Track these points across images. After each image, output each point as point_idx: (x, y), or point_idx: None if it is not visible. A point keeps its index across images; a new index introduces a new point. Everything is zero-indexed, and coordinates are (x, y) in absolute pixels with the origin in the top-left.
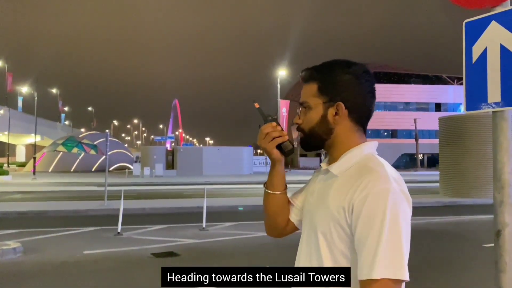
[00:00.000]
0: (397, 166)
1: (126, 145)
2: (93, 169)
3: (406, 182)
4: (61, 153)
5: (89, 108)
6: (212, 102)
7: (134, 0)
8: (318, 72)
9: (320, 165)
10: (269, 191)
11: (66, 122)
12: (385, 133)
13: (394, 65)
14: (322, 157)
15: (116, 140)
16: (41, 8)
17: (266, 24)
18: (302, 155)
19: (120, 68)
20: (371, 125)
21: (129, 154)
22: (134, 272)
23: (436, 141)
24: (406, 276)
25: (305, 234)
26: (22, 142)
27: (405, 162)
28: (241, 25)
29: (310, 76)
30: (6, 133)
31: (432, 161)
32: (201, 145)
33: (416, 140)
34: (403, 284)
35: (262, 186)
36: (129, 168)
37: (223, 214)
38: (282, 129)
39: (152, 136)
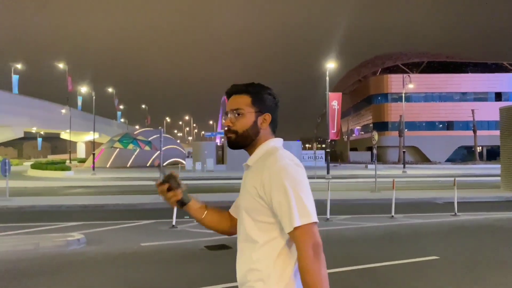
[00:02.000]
0: (453, 159)
1: (178, 141)
2: (147, 164)
3: (463, 176)
4: (118, 149)
5: (143, 106)
6: None
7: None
8: (251, 88)
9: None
10: (198, 220)
11: (122, 120)
12: (440, 125)
13: (449, 54)
14: (374, 151)
15: (169, 136)
16: (97, 9)
17: (314, 18)
18: (352, 149)
19: (171, 67)
20: (426, 117)
21: (182, 149)
22: (187, 264)
23: (496, 132)
24: (315, 219)
25: (238, 217)
26: (82, 139)
27: (462, 155)
28: (290, 22)
29: (244, 90)
30: (68, 131)
31: (492, 154)
32: None
33: (474, 132)
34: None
35: (310, 181)
36: (181, 163)
37: None
38: (177, 185)
39: (203, 132)
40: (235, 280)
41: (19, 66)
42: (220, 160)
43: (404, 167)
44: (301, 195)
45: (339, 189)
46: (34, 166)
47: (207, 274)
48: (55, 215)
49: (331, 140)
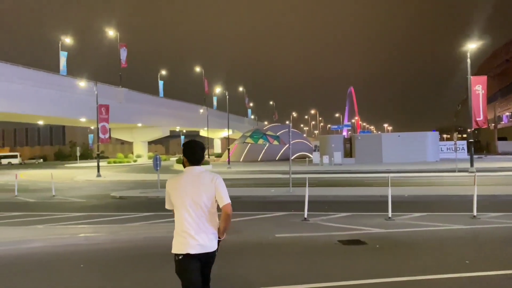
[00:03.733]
0: None
1: (304, 135)
2: (276, 158)
3: None
4: (249, 144)
5: (271, 102)
6: (389, 87)
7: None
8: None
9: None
10: None
11: (252, 117)
12: None
13: None
14: None
15: (296, 130)
16: (225, 13)
17: None
18: (500, 138)
19: (296, 62)
20: None
21: (308, 143)
22: (322, 258)
23: None
24: (229, 200)
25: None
26: (217, 136)
27: None
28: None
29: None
30: (206, 129)
31: None
32: (379, 132)
33: None
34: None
35: (450, 174)
36: (309, 157)
37: (409, 204)
38: None
39: (329, 125)
40: (371, 276)
41: (163, 72)
42: (348, 153)
43: None
44: (226, 188)
45: (486, 184)
46: (178, 161)
47: (342, 269)
48: None
49: (474, 129)
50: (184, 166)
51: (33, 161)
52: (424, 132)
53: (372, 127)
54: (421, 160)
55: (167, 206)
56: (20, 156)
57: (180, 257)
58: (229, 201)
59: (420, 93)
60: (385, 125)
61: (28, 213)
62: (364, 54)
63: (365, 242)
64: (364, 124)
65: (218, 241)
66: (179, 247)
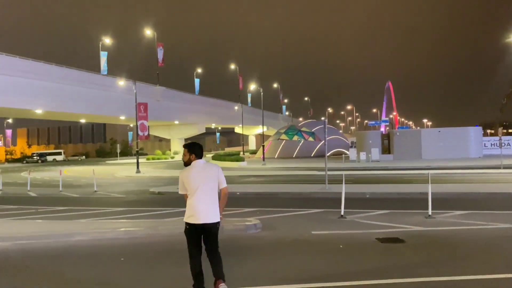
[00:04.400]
0: None
1: (340, 131)
2: (312, 155)
3: None
4: (284, 141)
5: (305, 98)
6: (429, 81)
7: None
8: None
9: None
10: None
11: (286, 113)
12: None
13: None
14: None
15: (332, 126)
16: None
17: None
18: None
19: (332, 56)
20: None
21: (345, 139)
22: (360, 256)
23: None
24: (226, 184)
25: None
26: (252, 132)
27: None
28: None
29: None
30: (241, 125)
31: None
32: (419, 128)
33: None
34: None
35: (495, 171)
36: (345, 153)
37: (450, 202)
38: None
39: (366, 121)
40: (409, 275)
41: (199, 70)
42: (386, 149)
43: None
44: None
45: None
46: (214, 158)
47: (379, 267)
48: (233, 200)
49: None
50: (184, 159)
51: (76, 158)
52: (466, 127)
53: (410, 122)
54: (463, 157)
55: (180, 192)
56: (64, 153)
57: (187, 227)
58: (226, 185)
59: (462, 87)
60: (425, 120)
61: (71, 208)
62: (403, 47)
63: (404, 240)
64: (402, 119)
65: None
66: (190, 219)
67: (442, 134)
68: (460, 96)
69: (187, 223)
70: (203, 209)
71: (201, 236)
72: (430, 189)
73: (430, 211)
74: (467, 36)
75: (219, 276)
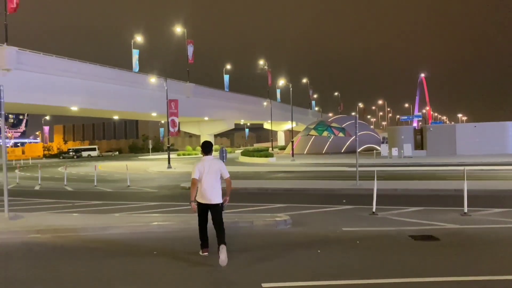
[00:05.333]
0: None
1: (372, 127)
2: (342, 151)
3: None
4: (314, 136)
5: (335, 93)
6: (464, 74)
7: None
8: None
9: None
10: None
11: (316, 108)
12: None
13: None
14: None
15: (363, 122)
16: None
17: None
18: None
19: (361, 51)
20: None
21: (376, 135)
22: (393, 253)
23: None
24: (229, 174)
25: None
26: (281, 128)
27: None
28: None
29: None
30: (269, 121)
31: None
32: (453, 122)
33: None
34: None
35: None
36: (376, 149)
37: (487, 199)
38: None
39: (398, 116)
40: (443, 274)
41: (228, 66)
42: (419, 145)
43: None
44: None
45: None
46: (243, 153)
47: (412, 265)
48: (263, 197)
49: None
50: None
51: (110, 153)
52: (504, 122)
53: (444, 117)
54: (500, 152)
55: (194, 176)
56: (98, 149)
57: (197, 203)
58: (228, 175)
59: (499, 80)
60: (459, 115)
61: (106, 202)
62: (436, 39)
63: (438, 238)
64: (436, 114)
65: (224, 202)
66: (200, 199)
67: (478, 129)
68: (498, 90)
69: (197, 202)
70: (207, 193)
71: (207, 211)
72: (465, 185)
73: (465, 209)
74: (508, 26)
75: (221, 241)
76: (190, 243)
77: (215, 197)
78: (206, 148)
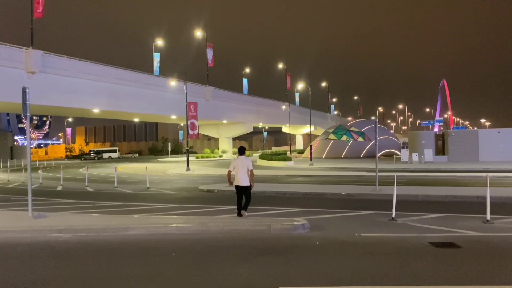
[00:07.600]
0: None
1: (392, 131)
2: (361, 155)
3: None
4: (332, 140)
5: (355, 97)
6: (487, 79)
7: None
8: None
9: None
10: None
11: (335, 112)
12: None
13: None
14: None
15: (382, 126)
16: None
17: None
18: None
19: (383, 55)
20: None
21: (396, 140)
22: (412, 260)
23: None
24: (252, 167)
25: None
26: (299, 132)
27: None
28: None
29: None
30: (288, 125)
31: None
32: (475, 128)
33: None
34: None
35: None
36: (396, 154)
37: (510, 207)
38: None
39: (419, 121)
40: (463, 282)
41: (247, 70)
42: (440, 150)
43: None
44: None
45: None
46: (261, 157)
47: (432, 272)
48: (281, 200)
49: None
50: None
51: (130, 155)
52: None
53: (466, 122)
54: None
55: (230, 168)
56: (119, 150)
57: (235, 186)
58: (252, 168)
59: None
60: (482, 120)
61: (125, 203)
62: (459, 42)
63: (459, 245)
64: (457, 119)
65: (250, 185)
66: (236, 183)
67: (502, 135)
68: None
69: (235, 185)
70: (239, 178)
71: (241, 191)
72: (488, 192)
73: (488, 216)
74: None
75: (245, 208)
76: (208, 245)
77: (244, 182)
78: (241, 150)
